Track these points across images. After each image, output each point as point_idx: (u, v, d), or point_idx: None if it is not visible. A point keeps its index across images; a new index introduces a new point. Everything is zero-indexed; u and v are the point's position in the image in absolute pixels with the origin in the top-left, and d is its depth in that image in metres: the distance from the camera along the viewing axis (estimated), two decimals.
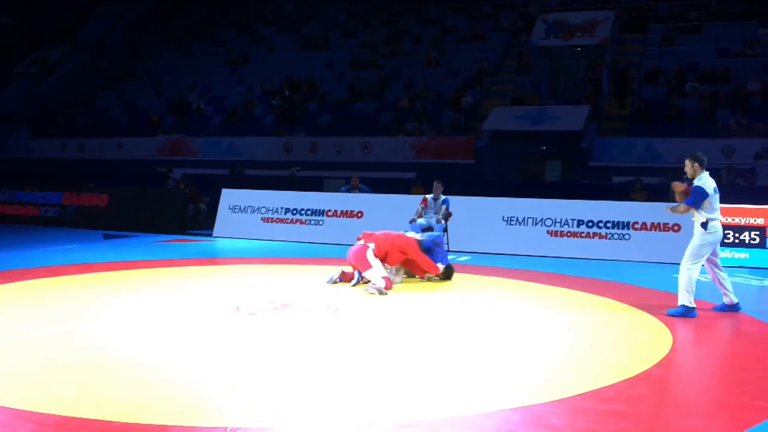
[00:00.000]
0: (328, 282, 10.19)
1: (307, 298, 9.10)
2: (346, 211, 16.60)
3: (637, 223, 14.38)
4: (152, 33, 36.34)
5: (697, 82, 23.64)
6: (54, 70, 34.50)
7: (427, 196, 14.84)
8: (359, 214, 16.37)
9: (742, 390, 5.68)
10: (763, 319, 8.37)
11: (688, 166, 8.75)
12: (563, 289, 10.35)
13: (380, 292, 9.43)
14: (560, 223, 14.88)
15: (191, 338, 6.91)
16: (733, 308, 8.68)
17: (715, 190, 8.58)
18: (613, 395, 5.29)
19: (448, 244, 13.84)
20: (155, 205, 18.68)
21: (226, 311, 8.08)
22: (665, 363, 6.24)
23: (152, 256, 13.30)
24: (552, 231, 14.92)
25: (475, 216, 15.32)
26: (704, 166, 8.69)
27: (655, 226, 14.20)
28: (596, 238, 14.58)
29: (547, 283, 10.82)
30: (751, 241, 13.26)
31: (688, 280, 8.43)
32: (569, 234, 14.79)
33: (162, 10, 38.06)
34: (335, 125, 25.70)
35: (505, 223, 15.26)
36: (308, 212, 16.90)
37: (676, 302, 8.55)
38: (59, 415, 4.60)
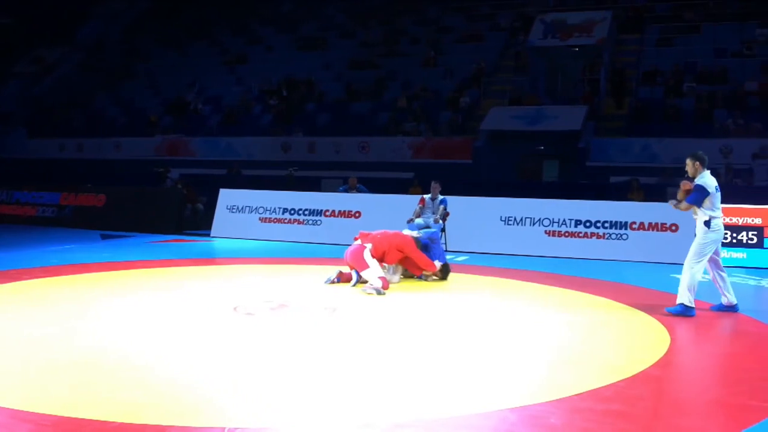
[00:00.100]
0: (326, 282, 10.19)
1: (305, 298, 9.10)
2: (344, 211, 16.60)
3: (634, 223, 14.39)
4: (150, 33, 36.32)
5: (694, 82, 23.67)
6: (51, 69, 34.49)
7: (425, 196, 14.83)
8: (357, 214, 16.37)
9: (740, 390, 5.68)
10: (761, 319, 8.38)
11: (689, 165, 8.76)
12: (561, 289, 10.35)
13: (378, 292, 9.43)
14: (558, 223, 14.89)
15: (189, 338, 6.90)
16: (731, 309, 8.69)
17: (716, 189, 8.60)
18: (611, 395, 5.29)
19: (446, 244, 13.84)
20: (153, 205, 18.67)
21: (223, 311, 8.07)
22: (663, 363, 6.24)
23: (150, 256, 13.29)
24: (549, 231, 14.92)
25: (473, 216, 15.33)
26: (705, 165, 8.71)
27: (653, 226, 14.21)
28: (594, 238, 14.59)
29: (545, 283, 10.82)
30: (749, 241, 13.26)
31: (691, 278, 8.43)
32: (567, 234, 14.79)
33: (160, 10, 38.04)
34: (333, 125, 25.70)
35: (503, 223, 15.27)
36: (306, 212, 16.90)
37: (674, 302, 8.55)
38: (57, 416, 4.60)
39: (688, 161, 8.79)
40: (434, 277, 10.91)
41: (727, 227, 12.58)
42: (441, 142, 23.61)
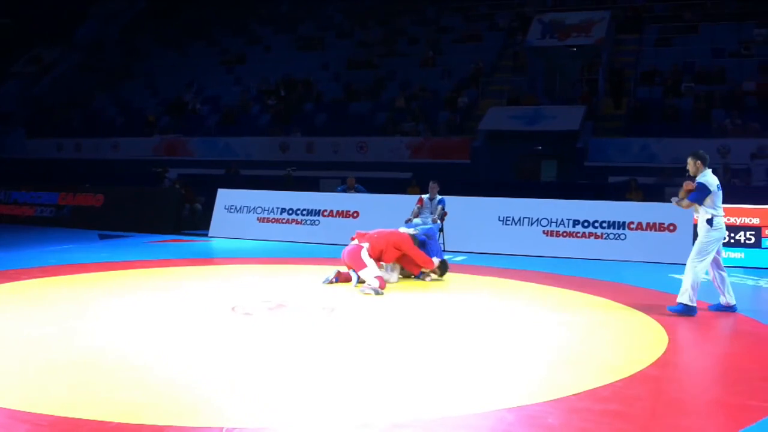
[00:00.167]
0: (324, 282, 10.19)
1: (303, 298, 9.10)
2: (342, 211, 16.59)
3: (632, 223, 14.40)
4: (148, 33, 36.31)
5: (692, 82, 23.68)
6: (50, 69, 34.46)
7: (423, 196, 14.83)
8: (355, 214, 16.36)
9: (737, 390, 5.69)
10: (759, 319, 8.38)
11: (691, 163, 8.76)
12: (559, 289, 10.36)
13: (376, 293, 9.42)
14: (556, 223, 14.89)
15: (187, 338, 6.90)
16: (729, 309, 8.69)
17: (718, 187, 8.59)
18: (609, 395, 5.29)
19: (444, 244, 13.84)
20: (151, 205, 18.66)
21: (221, 311, 8.07)
22: (661, 363, 6.24)
23: (148, 256, 13.29)
24: (548, 231, 14.92)
25: (471, 216, 15.33)
26: (707, 164, 8.71)
27: (651, 226, 14.22)
28: (592, 238, 14.59)
29: (543, 283, 10.82)
30: (747, 241, 13.27)
31: (694, 277, 8.44)
32: (565, 234, 14.80)
33: (158, 9, 38.02)
34: (331, 125, 25.70)
35: (501, 223, 15.27)
36: (304, 212, 16.89)
37: (672, 302, 8.56)
38: (54, 416, 4.59)
39: (690, 160, 8.79)
40: (432, 277, 10.91)
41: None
42: (439, 142, 23.62)
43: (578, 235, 14.71)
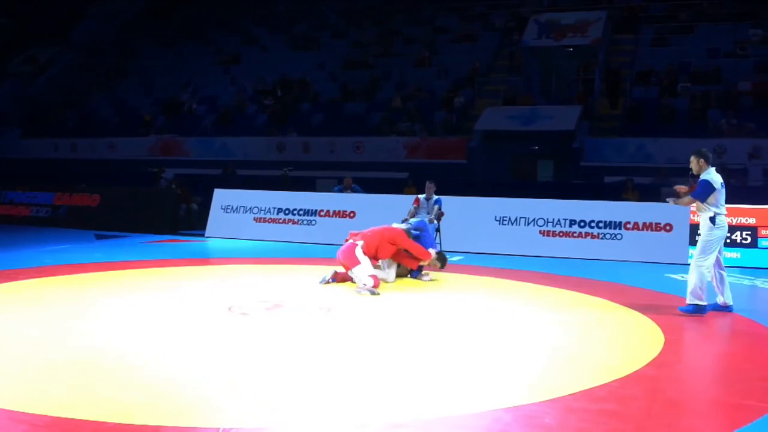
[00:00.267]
0: (320, 282, 10.19)
1: (300, 298, 9.10)
2: (339, 211, 16.59)
3: (629, 222, 14.41)
4: (144, 33, 36.25)
5: (688, 82, 23.71)
6: (46, 69, 34.40)
7: (419, 196, 14.84)
8: (352, 214, 16.36)
9: (733, 389, 5.71)
10: (755, 319, 8.40)
11: (694, 162, 8.72)
12: (555, 288, 10.37)
13: (372, 293, 9.42)
14: (552, 222, 14.90)
15: (183, 339, 6.90)
16: (726, 309, 8.71)
17: (721, 185, 8.56)
18: (605, 395, 5.30)
19: (440, 244, 13.84)
20: (147, 205, 18.64)
21: (218, 311, 8.07)
22: (657, 363, 6.25)
23: (144, 256, 13.28)
24: (544, 231, 14.94)
25: (468, 216, 15.33)
26: (710, 162, 8.68)
27: (647, 226, 14.23)
28: (588, 237, 14.61)
29: (540, 283, 10.83)
30: (743, 241, 13.30)
31: (700, 276, 8.44)
32: (561, 234, 14.81)
33: (154, 10, 37.97)
34: (327, 125, 25.69)
35: (498, 223, 15.28)
36: (301, 212, 16.89)
37: (668, 302, 8.58)
38: (52, 416, 4.60)
39: (693, 158, 8.74)
40: (429, 277, 10.92)
41: None
42: (435, 142, 23.62)
43: (574, 235, 14.72)
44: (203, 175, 23.29)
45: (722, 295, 8.73)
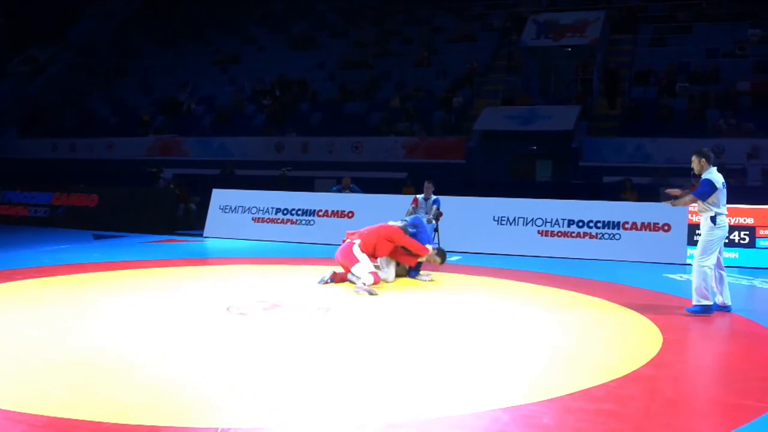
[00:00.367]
0: (319, 282, 10.19)
1: (298, 298, 9.09)
2: (337, 211, 16.59)
3: (627, 222, 14.42)
4: (142, 33, 36.25)
5: (687, 83, 23.72)
6: (44, 69, 34.38)
7: (418, 196, 14.85)
8: (350, 214, 16.36)
9: (731, 389, 5.71)
10: (753, 318, 8.40)
11: (695, 161, 8.69)
12: (554, 288, 10.37)
13: (370, 293, 9.42)
14: (551, 223, 14.91)
15: (181, 339, 6.90)
16: (724, 309, 8.70)
17: (723, 185, 8.54)
18: (603, 395, 5.30)
19: (439, 244, 13.84)
20: (146, 205, 18.64)
21: (216, 311, 8.06)
22: (655, 363, 6.25)
23: (142, 256, 13.27)
24: (543, 231, 14.94)
25: (466, 216, 15.33)
26: (711, 162, 8.66)
27: (646, 226, 14.24)
28: (587, 237, 14.61)
29: (538, 283, 10.83)
30: (741, 241, 13.30)
31: (703, 276, 8.44)
32: (560, 234, 14.81)
33: (152, 10, 37.94)
34: (326, 125, 25.69)
35: (496, 223, 15.28)
36: (299, 212, 16.89)
37: (667, 302, 8.57)
38: (50, 416, 4.59)
39: (694, 158, 8.71)
40: (430, 277, 10.92)
41: None
42: (434, 142, 23.63)
43: (573, 235, 14.72)
44: (202, 175, 23.30)
45: (721, 295, 8.73)
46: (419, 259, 10.78)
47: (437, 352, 6.59)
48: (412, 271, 11.01)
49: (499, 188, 18.07)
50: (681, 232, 13.82)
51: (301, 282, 10.38)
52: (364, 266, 9.85)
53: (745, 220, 13.35)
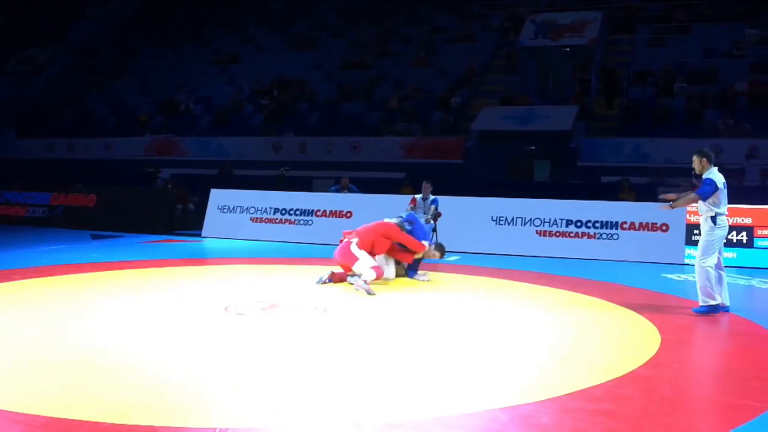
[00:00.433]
0: (317, 282, 10.19)
1: (296, 298, 9.09)
2: (335, 211, 16.59)
3: (625, 222, 14.43)
4: (141, 33, 36.22)
5: (685, 83, 23.72)
6: (42, 69, 34.34)
7: (416, 196, 14.84)
8: (348, 214, 16.36)
9: (729, 389, 5.72)
10: (751, 318, 8.41)
11: (696, 161, 8.69)
12: (552, 288, 10.37)
13: (368, 293, 9.42)
14: (549, 222, 14.91)
15: (179, 339, 6.89)
16: (722, 309, 8.70)
17: (724, 185, 8.53)
18: (601, 395, 5.30)
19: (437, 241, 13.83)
20: (144, 205, 18.63)
21: (214, 311, 8.06)
22: (653, 362, 6.26)
23: (140, 256, 13.27)
24: (541, 231, 14.94)
25: (464, 216, 15.34)
26: (712, 161, 8.65)
27: (644, 226, 14.25)
28: (585, 237, 14.62)
29: (536, 283, 10.84)
30: (739, 241, 13.32)
31: (706, 276, 8.45)
32: (558, 234, 14.82)
33: (151, 10, 37.92)
34: (324, 125, 25.66)
35: (494, 222, 15.29)
36: (297, 212, 16.88)
37: (665, 302, 8.58)
38: (47, 416, 4.59)
39: (695, 158, 8.71)
40: (426, 278, 10.92)
41: None
42: (432, 142, 23.61)
43: (571, 235, 14.73)
44: (200, 175, 23.27)
45: (720, 295, 8.73)
46: (416, 256, 10.78)
47: (435, 352, 6.59)
48: (410, 271, 11.01)
49: (497, 188, 18.07)
50: (679, 232, 13.83)
51: (300, 282, 10.38)
52: (364, 262, 9.88)
53: (743, 220, 13.37)
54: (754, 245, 13.31)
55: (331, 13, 34.18)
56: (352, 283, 9.96)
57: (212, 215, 17.54)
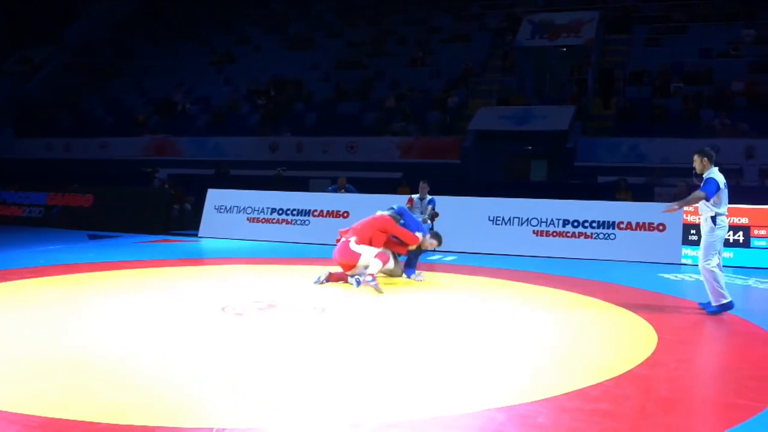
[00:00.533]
0: (315, 282, 10.18)
1: (294, 298, 9.08)
2: (332, 211, 16.59)
3: (622, 222, 14.44)
4: (138, 33, 36.22)
5: (681, 83, 23.77)
6: (39, 69, 34.31)
7: (413, 196, 14.84)
8: (345, 214, 16.36)
9: (726, 388, 5.72)
10: (747, 318, 8.42)
11: (697, 161, 8.69)
12: (549, 288, 10.38)
13: (377, 289, 9.47)
14: (546, 222, 14.93)
15: (177, 339, 6.88)
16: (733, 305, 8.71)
17: (725, 185, 8.54)
18: (599, 394, 5.30)
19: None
20: (140, 205, 18.62)
21: (212, 312, 8.05)
22: (651, 362, 6.26)
23: (137, 256, 13.25)
24: (538, 231, 14.96)
25: (462, 216, 15.34)
26: (713, 161, 8.65)
27: (640, 226, 14.27)
28: (582, 237, 14.63)
29: (533, 283, 10.84)
30: (736, 241, 13.33)
31: (713, 275, 8.46)
32: (555, 234, 14.83)
33: (148, 9, 37.93)
34: (321, 125, 25.68)
35: (491, 222, 15.30)
36: (294, 212, 16.88)
37: (662, 302, 8.58)
38: (44, 417, 4.58)
39: (696, 157, 8.71)
40: (422, 278, 10.92)
41: None
42: (429, 142, 23.62)
43: (568, 234, 14.74)
44: (196, 175, 23.27)
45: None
46: (411, 247, 10.77)
47: (433, 351, 6.59)
48: (408, 269, 11.00)
49: (494, 188, 18.09)
50: (676, 232, 13.86)
51: (297, 282, 10.37)
52: (368, 254, 9.93)
53: (739, 220, 13.39)
54: (751, 245, 13.33)
55: (328, 13, 34.20)
56: (352, 283, 9.96)
57: (209, 215, 17.54)
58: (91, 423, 4.50)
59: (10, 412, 4.65)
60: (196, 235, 17.20)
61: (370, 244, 10.28)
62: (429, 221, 14.26)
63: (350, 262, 10.09)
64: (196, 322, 7.56)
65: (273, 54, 31.77)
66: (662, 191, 17.93)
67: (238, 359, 6.13)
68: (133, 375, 5.57)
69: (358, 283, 9.94)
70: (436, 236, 11.04)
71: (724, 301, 8.50)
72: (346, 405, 5.00)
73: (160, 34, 35.61)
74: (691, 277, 11.82)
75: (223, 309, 8.16)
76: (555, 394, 5.23)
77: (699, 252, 8.74)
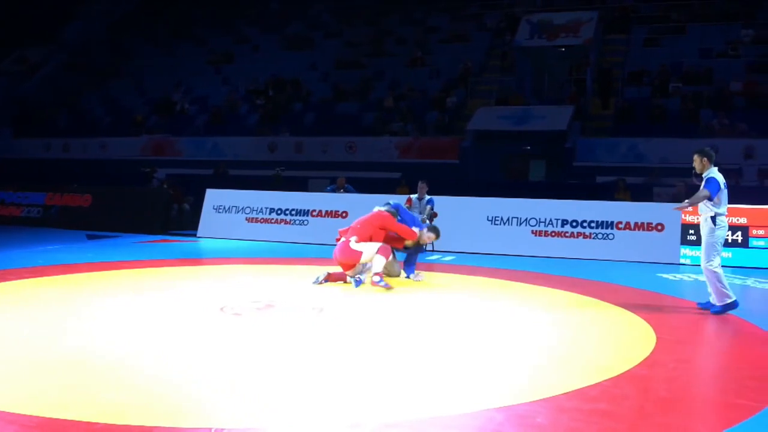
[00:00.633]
0: (313, 282, 10.17)
1: (292, 298, 9.08)
2: (331, 211, 16.59)
3: (620, 222, 14.45)
4: (136, 32, 36.19)
5: (680, 83, 23.79)
6: (37, 69, 34.29)
7: (412, 196, 14.85)
8: (344, 214, 16.35)
9: (725, 388, 5.72)
10: (746, 318, 8.42)
11: (697, 161, 8.69)
12: (547, 288, 10.38)
13: (386, 287, 9.55)
14: (545, 222, 14.93)
15: (175, 339, 6.88)
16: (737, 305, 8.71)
17: (725, 185, 8.54)
18: (598, 394, 5.30)
19: (433, 244, 13.84)
20: (139, 205, 18.62)
21: (210, 312, 8.04)
22: (649, 362, 6.26)
23: (136, 256, 13.25)
24: (536, 231, 14.96)
25: (460, 216, 15.35)
26: (713, 161, 8.65)
27: (639, 226, 14.27)
28: (580, 237, 14.64)
29: (532, 283, 10.84)
30: (734, 241, 13.34)
31: (716, 276, 8.47)
32: (553, 234, 14.83)
33: (146, 9, 37.91)
34: (320, 125, 25.68)
35: (490, 222, 15.30)
36: (293, 212, 16.88)
37: (660, 301, 8.58)
38: (42, 417, 4.57)
39: (696, 157, 8.71)
40: (420, 278, 10.91)
41: None
42: (428, 142, 23.63)
43: (567, 234, 14.75)
44: (195, 175, 23.27)
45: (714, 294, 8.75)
46: (408, 243, 10.77)
47: (432, 351, 6.59)
48: (408, 268, 11.00)
49: (493, 188, 18.10)
50: (674, 232, 13.86)
51: (296, 282, 10.36)
52: (369, 250, 9.94)
53: (738, 220, 13.39)
54: (750, 245, 13.34)
55: (326, 13, 34.19)
56: (351, 283, 9.96)
57: (208, 215, 17.54)
58: (89, 423, 4.49)
59: (9, 412, 4.65)
60: (194, 235, 17.20)
61: (371, 241, 10.29)
62: (428, 221, 14.26)
63: (351, 261, 10.10)
64: (194, 322, 7.56)
65: (271, 54, 31.77)
66: (661, 191, 17.95)
67: (236, 359, 6.13)
68: (132, 375, 5.56)
69: (357, 283, 9.94)
70: (434, 230, 11.04)
71: (729, 301, 8.50)
72: (345, 405, 5.00)
73: (158, 34, 35.60)
74: (689, 277, 11.82)
75: (221, 309, 8.16)
76: (553, 394, 5.23)
77: (701, 253, 8.74)
